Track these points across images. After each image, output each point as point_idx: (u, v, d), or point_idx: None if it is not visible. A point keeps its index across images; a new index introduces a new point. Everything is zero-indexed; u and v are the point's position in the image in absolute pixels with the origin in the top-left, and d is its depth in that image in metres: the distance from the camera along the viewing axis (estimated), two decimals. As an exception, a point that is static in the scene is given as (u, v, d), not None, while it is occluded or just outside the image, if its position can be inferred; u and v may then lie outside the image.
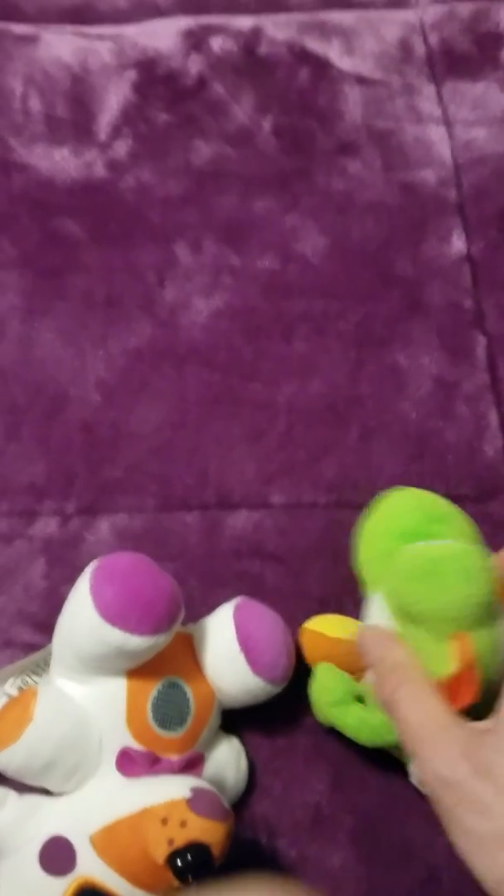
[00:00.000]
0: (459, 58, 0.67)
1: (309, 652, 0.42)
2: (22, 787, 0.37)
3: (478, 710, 0.33)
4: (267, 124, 0.64)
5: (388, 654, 0.36)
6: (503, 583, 0.36)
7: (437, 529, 0.39)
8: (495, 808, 0.28)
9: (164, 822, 0.32)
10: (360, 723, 0.38)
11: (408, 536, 0.39)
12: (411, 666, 0.35)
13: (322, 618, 0.44)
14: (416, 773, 0.38)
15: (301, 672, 0.42)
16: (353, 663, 0.40)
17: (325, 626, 0.43)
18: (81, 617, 0.35)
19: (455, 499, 0.49)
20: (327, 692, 0.40)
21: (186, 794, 0.33)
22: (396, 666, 0.35)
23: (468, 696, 0.33)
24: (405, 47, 0.67)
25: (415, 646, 0.35)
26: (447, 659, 0.35)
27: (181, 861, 0.31)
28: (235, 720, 0.42)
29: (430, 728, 0.31)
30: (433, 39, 0.68)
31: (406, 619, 0.37)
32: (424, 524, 0.39)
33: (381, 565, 0.39)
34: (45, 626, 0.46)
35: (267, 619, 0.41)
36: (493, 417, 0.52)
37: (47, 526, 0.49)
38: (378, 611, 0.39)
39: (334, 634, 0.42)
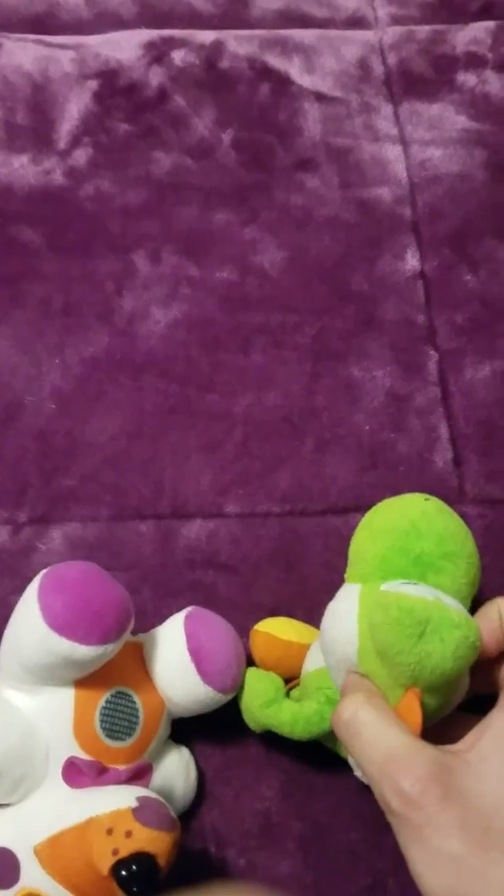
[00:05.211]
0: (417, 79, 0.68)
1: (260, 654, 0.42)
2: (-34, 800, 0.36)
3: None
4: (227, 138, 0.64)
5: (348, 676, 0.35)
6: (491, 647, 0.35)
7: (442, 567, 0.37)
8: (462, 835, 0.29)
9: (110, 832, 0.32)
10: (293, 717, 0.38)
11: (412, 560, 0.37)
12: (371, 688, 0.34)
13: (273, 620, 0.44)
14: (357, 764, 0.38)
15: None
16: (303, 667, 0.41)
17: (276, 629, 0.43)
18: (29, 626, 0.35)
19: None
20: (257, 695, 0.40)
21: (132, 803, 0.33)
22: (357, 686, 0.34)
23: None
24: (364, 67, 0.69)
25: (369, 667, 0.35)
26: (393, 698, 0.35)
27: (126, 871, 0.31)
28: (187, 730, 0.42)
29: (398, 748, 0.31)
30: (391, 60, 0.69)
31: (372, 649, 0.36)
32: (435, 557, 0.37)
33: (373, 568, 0.38)
34: (-6, 635, 0.45)
35: (218, 629, 0.41)
36: (444, 430, 0.53)
37: (-1, 535, 0.48)
38: (349, 601, 0.37)
39: (286, 637, 0.42)
